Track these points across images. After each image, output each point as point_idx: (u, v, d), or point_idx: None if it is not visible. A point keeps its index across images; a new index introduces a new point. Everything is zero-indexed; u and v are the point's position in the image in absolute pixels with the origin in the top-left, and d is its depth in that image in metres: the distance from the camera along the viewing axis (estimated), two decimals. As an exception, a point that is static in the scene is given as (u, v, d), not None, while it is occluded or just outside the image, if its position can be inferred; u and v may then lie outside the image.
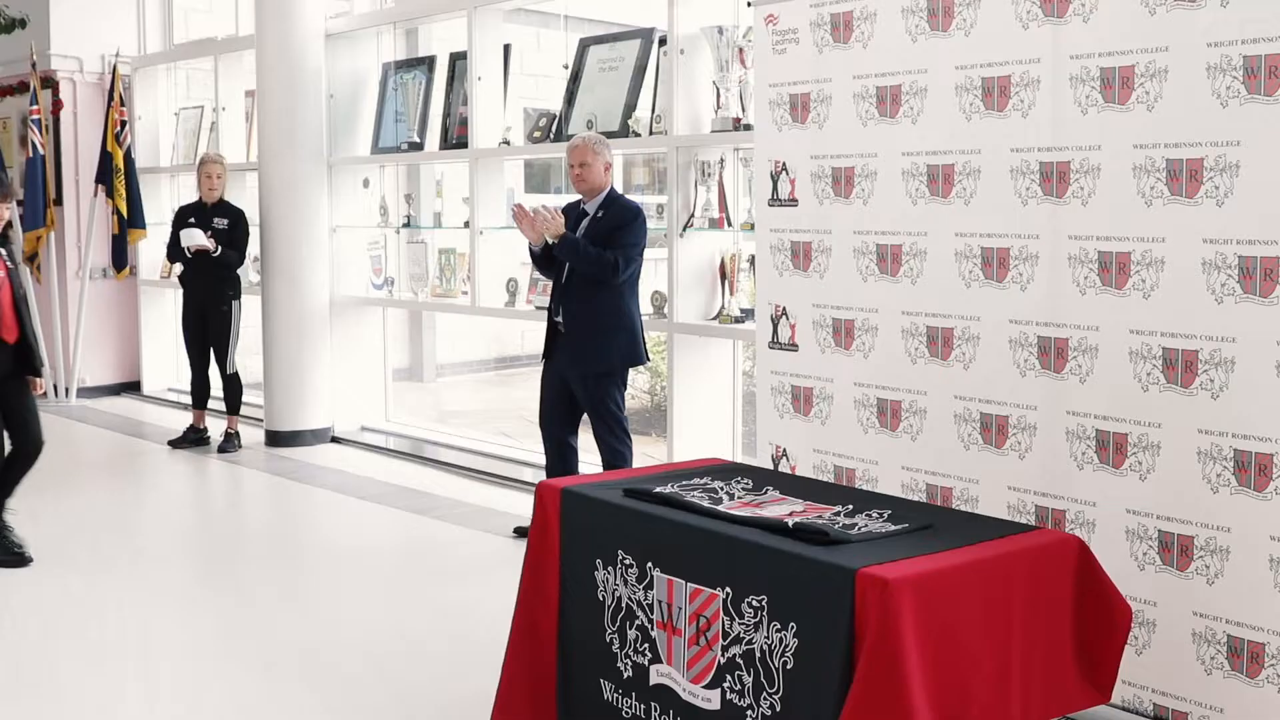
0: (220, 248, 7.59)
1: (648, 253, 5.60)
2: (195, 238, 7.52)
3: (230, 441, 7.89)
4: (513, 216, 5.46)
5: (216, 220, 7.70)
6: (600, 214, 5.41)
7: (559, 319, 5.44)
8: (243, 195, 9.16)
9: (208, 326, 7.78)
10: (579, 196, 5.56)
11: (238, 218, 7.80)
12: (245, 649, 4.47)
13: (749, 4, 4.73)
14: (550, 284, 5.70)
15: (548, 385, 5.60)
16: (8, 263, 5.39)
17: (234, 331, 7.78)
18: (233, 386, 7.90)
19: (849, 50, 4.28)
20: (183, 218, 7.79)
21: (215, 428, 8.07)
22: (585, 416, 5.57)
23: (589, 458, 5.90)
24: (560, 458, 5.64)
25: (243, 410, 9.29)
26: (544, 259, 5.46)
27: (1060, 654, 3.01)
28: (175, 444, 7.95)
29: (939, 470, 4.06)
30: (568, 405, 5.57)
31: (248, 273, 9.15)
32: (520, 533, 5.73)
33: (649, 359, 5.66)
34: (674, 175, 6.04)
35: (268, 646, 4.49)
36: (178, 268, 7.98)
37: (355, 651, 4.42)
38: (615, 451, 5.44)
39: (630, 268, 5.35)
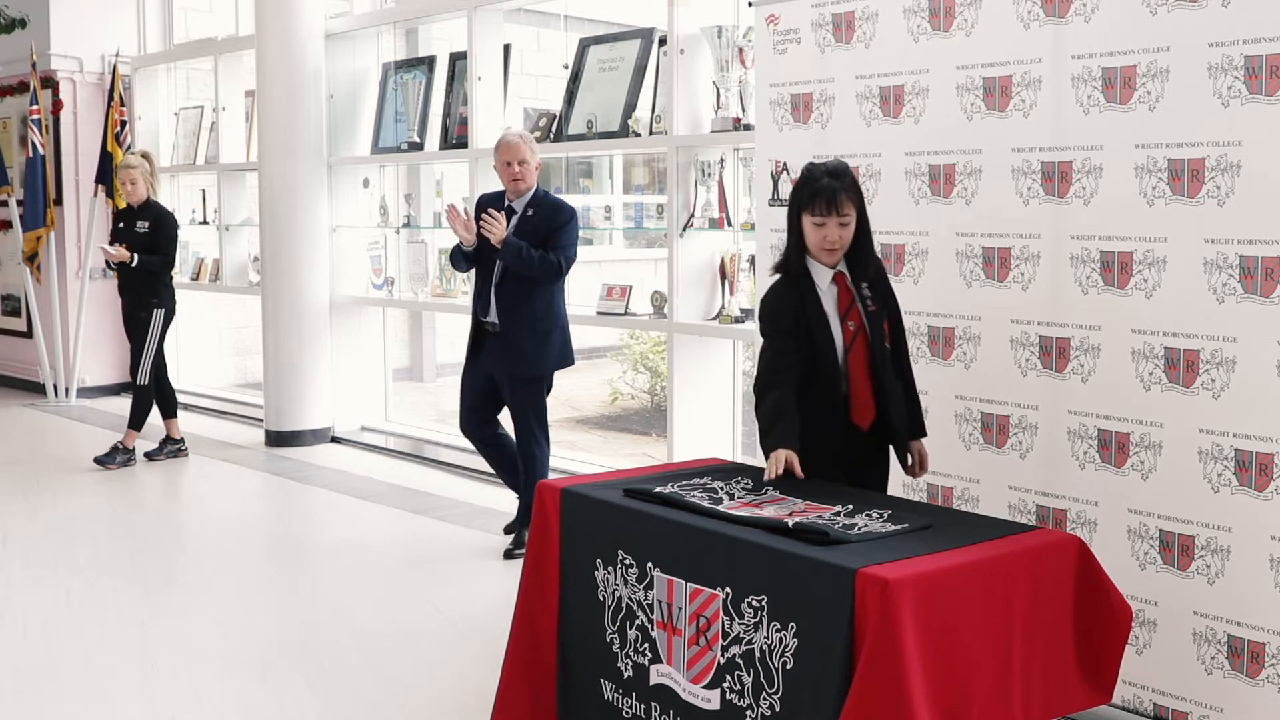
0: (136, 255, 7.17)
1: (647, 253, 5.60)
2: (106, 252, 7.28)
3: (113, 454, 7.42)
4: (446, 217, 5.45)
5: (139, 224, 7.33)
6: (530, 212, 5.41)
7: (489, 319, 5.42)
8: (243, 195, 9.20)
9: (134, 336, 7.42)
10: (491, 191, 5.60)
11: (158, 220, 7.33)
12: (245, 648, 4.46)
13: (749, 4, 4.73)
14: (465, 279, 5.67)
15: (472, 384, 5.57)
16: (860, 306, 3.56)
17: (150, 339, 7.33)
18: (139, 399, 7.44)
19: (851, 50, 4.28)
20: (115, 223, 7.59)
21: (161, 435, 7.95)
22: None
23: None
24: (497, 447, 5.64)
25: (239, 410, 9.26)
26: (468, 256, 5.44)
27: (1061, 654, 3.00)
28: (151, 456, 7.58)
29: (939, 470, 4.05)
30: (491, 402, 5.59)
31: (247, 273, 9.17)
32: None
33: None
34: (674, 175, 6.04)
35: (267, 646, 4.49)
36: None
37: (355, 651, 4.42)
38: (532, 455, 5.47)
39: (569, 268, 5.40)
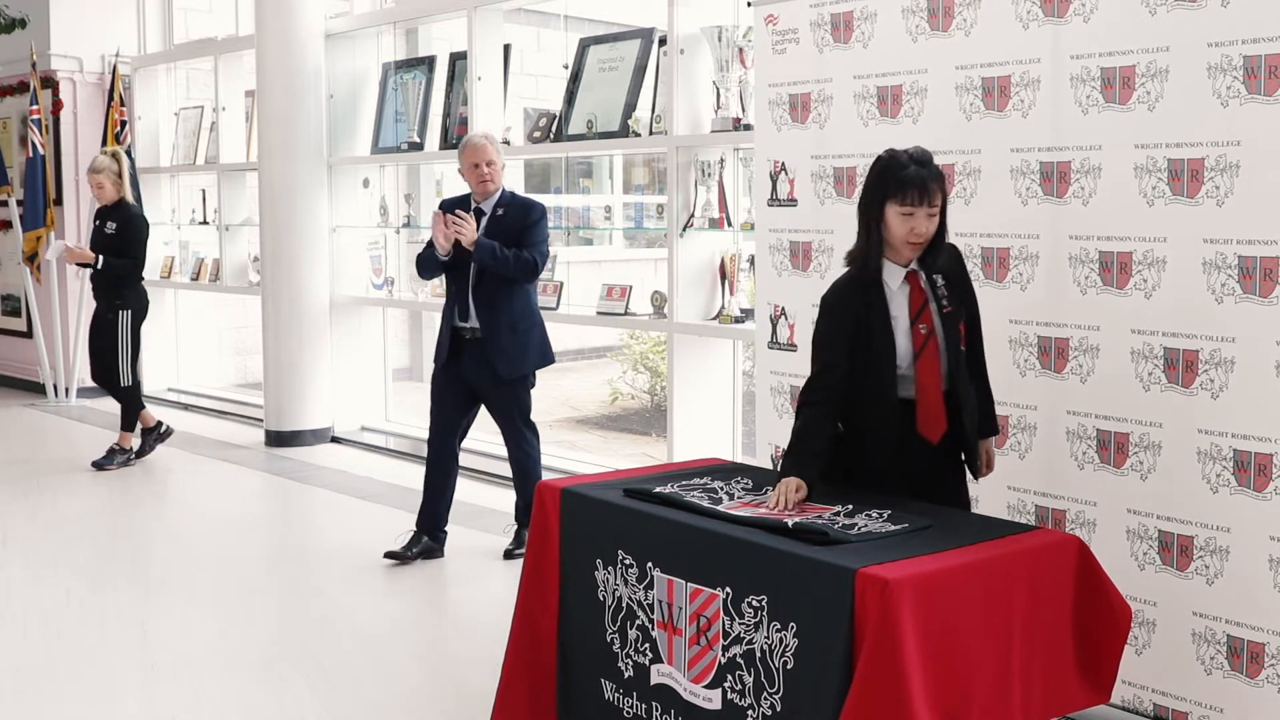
0: (101, 257, 7.13)
1: (647, 253, 5.57)
2: (54, 249, 7.17)
3: (110, 456, 7.37)
4: (432, 223, 5.30)
5: (109, 225, 7.23)
6: (501, 212, 5.36)
7: (467, 323, 5.36)
8: (243, 195, 9.20)
9: (102, 337, 7.36)
10: (453, 196, 5.53)
11: (126, 223, 7.24)
12: (245, 649, 4.47)
13: (749, 4, 4.73)
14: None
15: (452, 395, 5.47)
16: (935, 306, 3.30)
17: (122, 342, 7.23)
18: (127, 400, 7.37)
19: (849, 50, 4.28)
20: (93, 220, 7.55)
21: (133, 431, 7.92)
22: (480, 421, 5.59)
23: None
24: (448, 468, 5.54)
25: (239, 410, 9.25)
26: (440, 263, 5.33)
27: (1060, 654, 3.01)
28: (140, 453, 7.51)
29: (939, 470, 4.05)
30: (467, 411, 5.55)
31: (247, 273, 9.17)
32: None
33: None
34: (674, 175, 6.04)
35: (267, 646, 4.49)
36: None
37: (355, 652, 4.42)
38: (526, 453, 5.48)
39: (545, 264, 5.40)
